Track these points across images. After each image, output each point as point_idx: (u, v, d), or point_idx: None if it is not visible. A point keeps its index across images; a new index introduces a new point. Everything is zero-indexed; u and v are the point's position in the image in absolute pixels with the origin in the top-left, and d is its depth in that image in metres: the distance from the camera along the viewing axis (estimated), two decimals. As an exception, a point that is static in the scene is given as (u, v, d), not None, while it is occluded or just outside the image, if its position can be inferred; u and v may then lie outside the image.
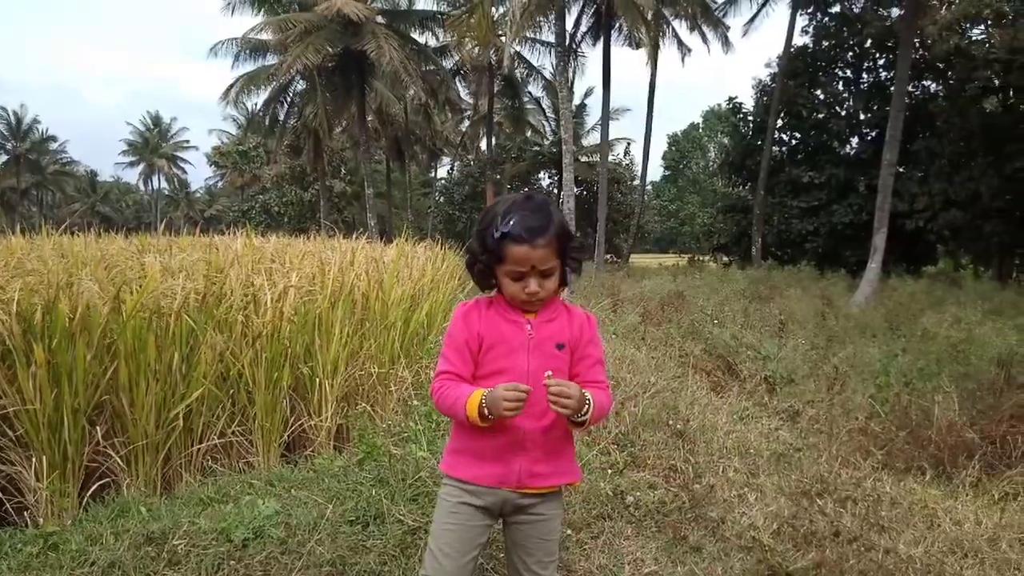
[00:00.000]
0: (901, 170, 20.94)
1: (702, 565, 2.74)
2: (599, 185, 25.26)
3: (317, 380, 3.52)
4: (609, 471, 3.38)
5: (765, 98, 26.21)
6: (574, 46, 24.40)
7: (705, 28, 25.66)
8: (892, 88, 23.58)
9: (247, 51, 25.21)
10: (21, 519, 2.88)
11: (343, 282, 3.76)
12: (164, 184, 60.91)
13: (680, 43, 26.22)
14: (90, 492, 2.95)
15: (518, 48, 23.42)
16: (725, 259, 29.13)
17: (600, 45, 23.93)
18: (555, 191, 41.07)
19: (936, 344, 7.98)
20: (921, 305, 12.66)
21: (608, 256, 28.77)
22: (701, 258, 30.65)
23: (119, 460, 2.97)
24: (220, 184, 55.98)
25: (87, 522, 2.62)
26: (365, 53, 21.56)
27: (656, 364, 5.89)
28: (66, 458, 2.81)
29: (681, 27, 25.88)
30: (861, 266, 21.45)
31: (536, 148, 35.96)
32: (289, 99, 27.34)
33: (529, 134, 35.54)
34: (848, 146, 26.05)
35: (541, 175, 41.50)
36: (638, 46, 23.13)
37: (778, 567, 2.69)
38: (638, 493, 3.20)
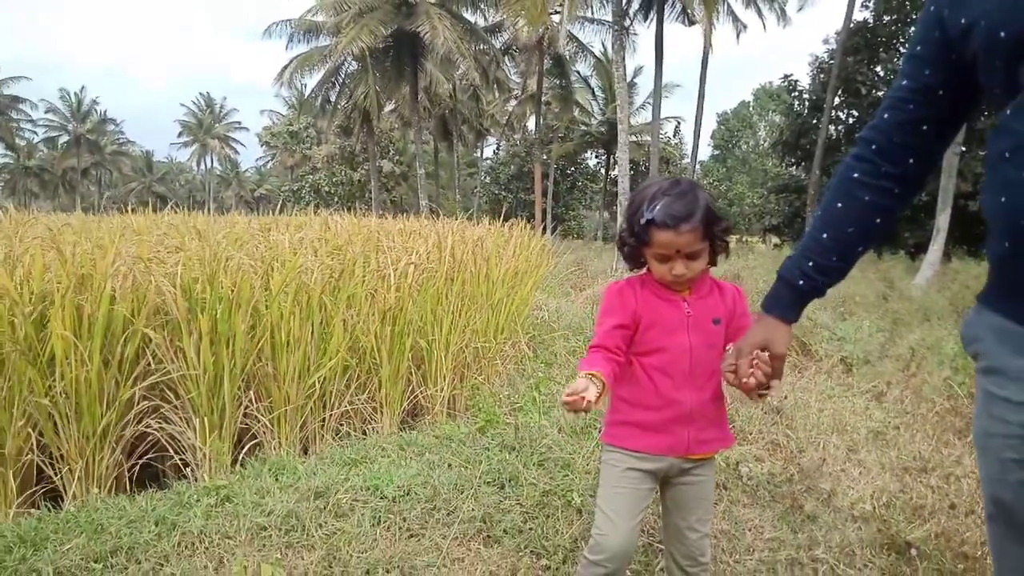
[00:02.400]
0: (964, 149, 20.40)
1: (820, 533, 2.87)
2: (649, 164, 25.10)
3: (435, 353, 3.72)
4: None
5: (822, 75, 25.69)
6: (628, 24, 24.18)
7: (760, 2, 25.19)
8: (956, 64, 22.84)
9: (301, 32, 25.58)
10: (179, 476, 3.13)
11: (455, 259, 3.94)
12: (216, 164, 62.24)
13: (735, 19, 25.79)
14: (242, 452, 3.20)
15: (568, 26, 23.28)
16: (776, 240, 28.76)
17: (652, 23, 23.69)
18: (602, 171, 40.95)
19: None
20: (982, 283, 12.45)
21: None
22: (749, 239, 30.29)
23: (267, 423, 3.21)
24: (270, 164, 57.02)
25: (250, 478, 2.86)
26: (418, 34, 21.72)
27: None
28: (222, 420, 3.05)
29: (736, 2, 25.44)
30: (919, 248, 21.02)
31: (584, 127, 35.81)
32: (341, 80, 27.69)
33: (576, 113, 35.38)
34: (909, 124, 25.41)
35: (588, 154, 41.38)
36: (691, 23, 22.84)
37: (896, 536, 2.80)
38: (750, 465, 3.33)
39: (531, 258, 5.20)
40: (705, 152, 50.97)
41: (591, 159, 43.73)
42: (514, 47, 28.30)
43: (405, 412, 3.79)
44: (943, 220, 16.41)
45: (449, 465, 3.07)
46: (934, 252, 15.71)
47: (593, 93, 36.15)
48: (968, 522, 2.86)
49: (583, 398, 1.48)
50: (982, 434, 1.13)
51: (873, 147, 1.29)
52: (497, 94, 33.33)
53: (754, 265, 15.60)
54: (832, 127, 25.26)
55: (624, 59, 16.76)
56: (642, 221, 1.61)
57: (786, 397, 4.26)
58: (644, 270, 1.76)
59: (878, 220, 1.30)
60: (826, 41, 29.44)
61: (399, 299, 3.54)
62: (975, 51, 1.11)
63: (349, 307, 3.46)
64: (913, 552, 2.63)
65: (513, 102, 35.63)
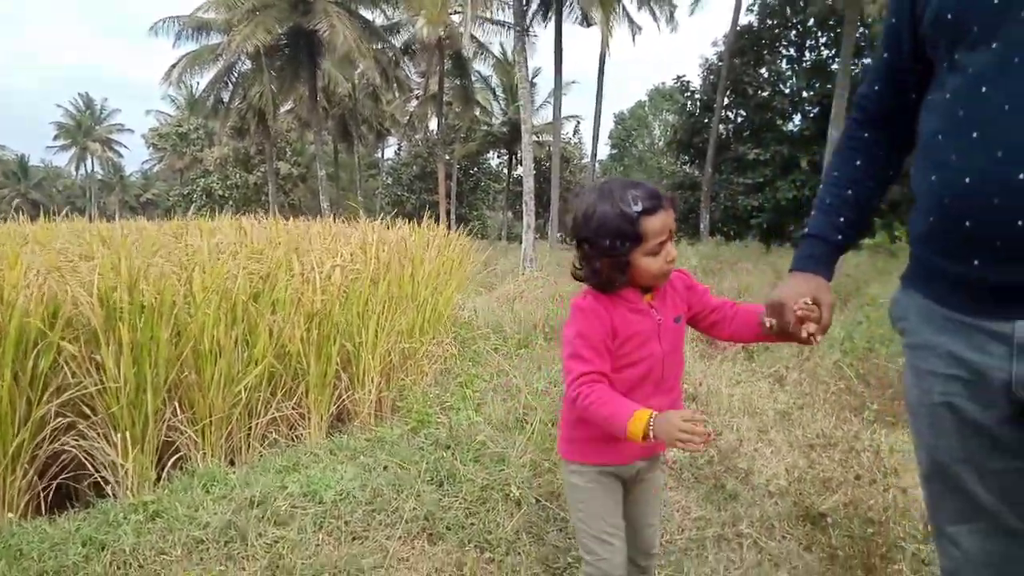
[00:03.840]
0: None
1: (742, 509, 3.05)
2: (551, 163, 25.56)
3: (362, 356, 3.69)
4: (643, 430, 3.68)
5: (712, 76, 26.87)
6: (528, 25, 24.49)
7: (653, 5, 26.07)
8: (834, 66, 24.51)
9: (190, 30, 24.51)
10: (99, 495, 2.99)
11: (379, 261, 3.92)
12: (98, 168, 58.64)
13: (631, 21, 26.59)
14: (165, 465, 3.08)
15: (470, 27, 23.35)
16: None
17: (551, 24, 24.11)
18: (505, 171, 41.27)
19: (879, 312, 8.43)
20: (866, 276, 13.35)
21: (559, 235, 29.19)
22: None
23: (192, 435, 3.10)
24: (157, 168, 54.22)
25: (179, 492, 2.77)
26: (316, 32, 21.25)
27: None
28: (144, 433, 2.93)
29: (631, 4, 26.24)
30: (805, 240, 22.35)
31: (486, 127, 36.00)
32: (234, 79, 26.71)
33: (478, 113, 35.54)
34: (791, 123, 26.94)
35: (490, 154, 41.61)
36: (589, 24, 23.38)
37: (810, 508, 3.02)
38: (672, 450, 3.49)
39: (454, 258, 5.23)
40: (603, 151, 52.41)
41: (494, 159, 44.00)
42: (414, 46, 28.13)
43: (333, 417, 3.75)
44: (825, 213, 17.53)
45: (385, 467, 3.07)
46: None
47: (494, 93, 36.40)
48: (871, 491, 3.11)
49: (705, 433, 1.39)
50: (916, 403, 1.24)
51: (865, 107, 1.41)
52: (397, 94, 33.01)
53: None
54: (722, 126, 26.45)
55: (526, 60, 16.98)
56: (634, 216, 1.51)
57: (700, 384, 4.48)
58: (614, 291, 1.62)
59: (891, 173, 1.42)
60: (715, 44, 30.90)
61: (325, 303, 3.50)
62: (926, 27, 1.19)
63: (274, 312, 3.40)
64: (828, 520, 2.84)
65: (414, 102, 35.41)
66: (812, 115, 26.07)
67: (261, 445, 3.41)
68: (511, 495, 2.83)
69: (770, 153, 25.18)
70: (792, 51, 26.70)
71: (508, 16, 22.96)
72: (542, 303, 7.73)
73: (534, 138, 31.99)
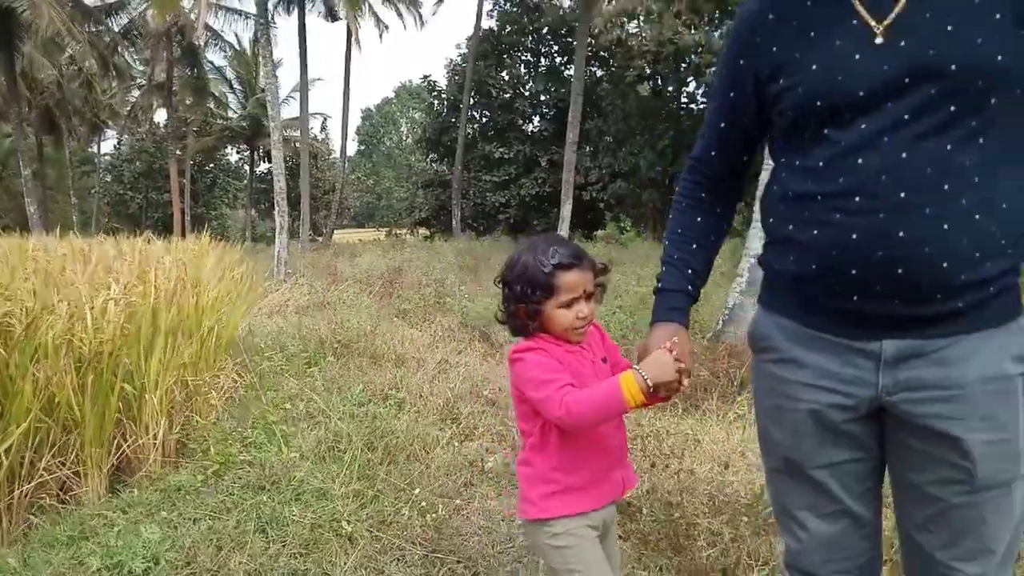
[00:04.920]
0: (577, 149, 23.80)
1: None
2: (300, 160, 24.64)
3: (146, 397, 3.31)
4: (456, 444, 3.74)
5: (457, 77, 27.70)
6: (270, 16, 23.24)
7: (398, 2, 26.18)
8: (567, 72, 26.54)
9: None
10: None
11: (158, 290, 3.52)
12: None
13: (378, 18, 26.42)
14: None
15: (205, 16, 21.62)
16: (426, 232, 30.40)
17: (295, 15, 23.15)
18: (246, 167, 38.86)
19: (629, 298, 9.01)
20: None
21: (310, 234, 28.29)
22: (399, 232, 31.49)
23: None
24: None
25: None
26: (14, 10, 18.27)
27: (434, 341, 6.31)
28: None
29: (376, 1, 26.08)
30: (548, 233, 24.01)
31: (223, 121, 33.65)
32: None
33: (213, 106, 33.07)
34: (531, 124, 28.69)
35: (229, 150, 38.99)
36: (335, 19, 22.85)
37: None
38: (486, 458, 3.61)
39: (240, 280, 4.85)
40: (351, 147, 51.52)
41: (232, 155, 41.31)
42: (136, 31, 25.37)
43: (113, 468, 3.32)
44: (566, 210, 18.96)
45: (194, 520, 2.81)
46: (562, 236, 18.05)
47: (230, 85, 34.09)
48: (664, 475, 3.48)
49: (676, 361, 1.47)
50: (773, 409, 1.44)
51: (702, 171, 1.57)
52: (116, 82, 29.56)
53: (412, 258, 16.31)
54: (469, 126, 27.43)
55: (272, 52, 16.16)
56: (546, 270, 1.61)
57: (500, 389, 4.66)
58: (531, 336, 1.67)
59: (726, 226, 1.60)
60: (459, 46, 31.82)
61: (101, 342, 3.08)
62: (786, 108, 1.34)
63: (37, 361, 2.92)
64: (635, 508, 3.13)
65: (137, 92, 31.94)
66: (549, 117, 28.01)
67: (31, 515, 2.93)
68: (342, 531, 2.75)
69: (514, 152, 26.64)
70: (529, 56, 28.41)
71: (246, 4, 21.62)
72: (319, 312, 7.47)
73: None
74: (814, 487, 1.42)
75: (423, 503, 3.06)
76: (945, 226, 1.21)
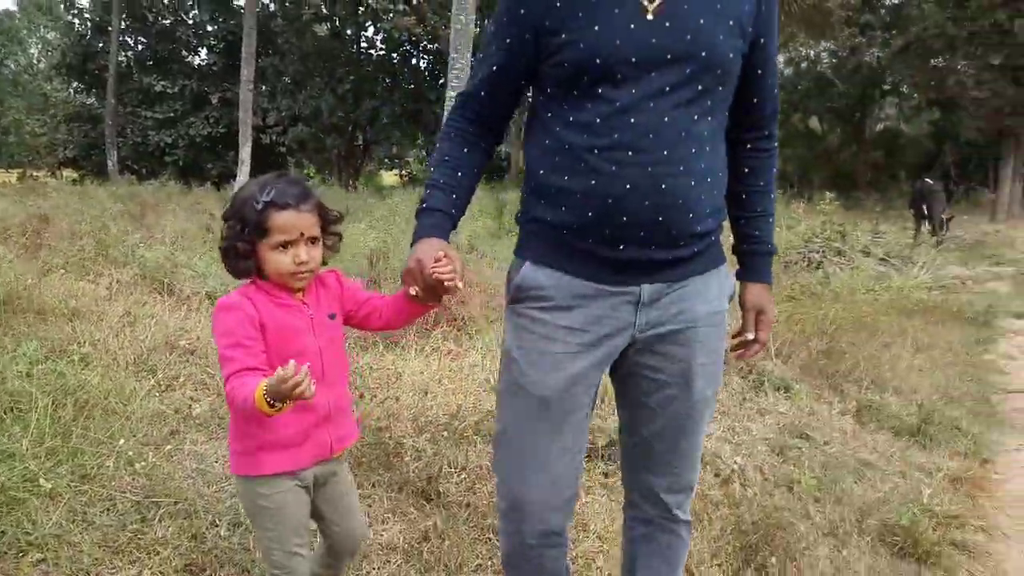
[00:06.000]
0: (253, 88, 22.45)
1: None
2: None
3: None
4: (158, 395, 3.61)
5: (103, -5, 24.16)
6: None
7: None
8: (236, 2, 24.62)
9: None
10: None
11: None
12: None
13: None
14: None
15: None
16: (74, 174, 26.45)
17: None
18: None
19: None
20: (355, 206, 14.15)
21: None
22: (36, 174, 26.97)
23: None
24: None
25: None
26: None
27: (111, 294, 5.74)
28: None
29: None
30: (224, 179, 22.48)
31: None
32: None
33: None
34: (198, 57, 26.30)
35: None
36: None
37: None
38: (196, 408, 3.55)
39: None
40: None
41: None
42: None
43: None
44: (245, 152, 17.92)
45: None
46: (241, 183, 16.85)
47: None
48: (372, 406, 3.74)
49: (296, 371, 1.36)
50: (536, 354, 1.54)
51: (472, 107, 1.63)
52: None
53: (60, 204, 14.20)
54: (123, 54, 24.24)
55: None
56: (258, 207, 1.54)
57: (198, 338, 4.51)
58: (250, 280, 1.64)
59: (486, 161, 1.68)
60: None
61: None
62: (565, 61, 1.44)
63: None
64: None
65: None
66: (219, 50, 25.91)
67: None
68: (41, 489, 2.57)
69: (179, 87, 24.24)
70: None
71: None
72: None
73: None
74: (561, 427, 1.56)
75: (130, 453, 2.95)
76: (692, 183, 1.45)
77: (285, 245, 1.57)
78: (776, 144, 1.71)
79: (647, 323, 1.54)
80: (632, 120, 1.40)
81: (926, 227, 14.53)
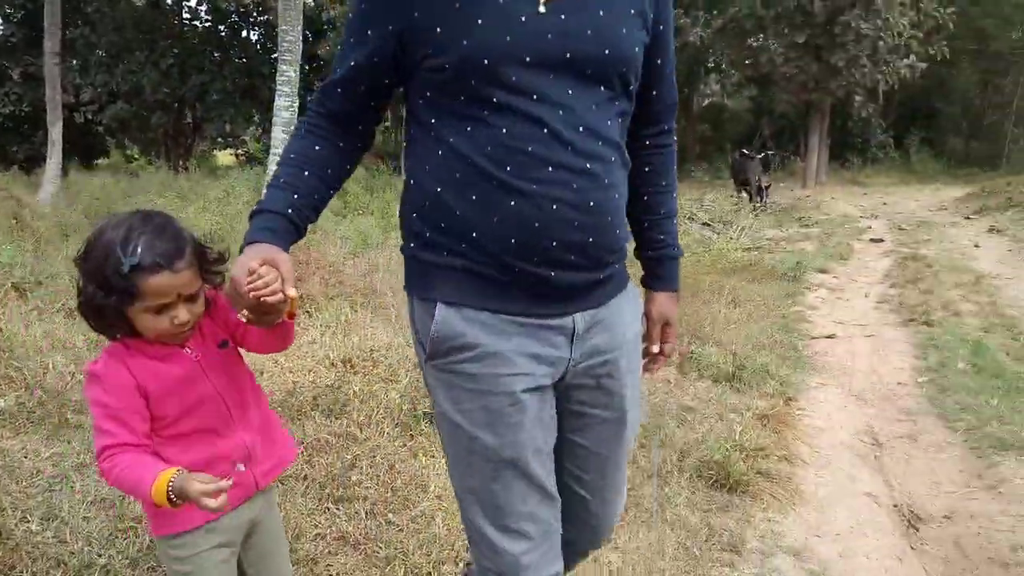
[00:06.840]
0: (61, 60, 20.38)
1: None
2: None
3: None
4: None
5: None
6: None
7: None
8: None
9: None
10: None
11: None
12: None
13: None
14: None
15: None
16: None
17: None
18: None
19: None
20: (113, 197, 13.26)
21: None
22: None
23: None
24: None
25: None
26: None
27: None
28: None
29: None
30: (32, 162, 20.39)
31: None
32: None
33: None
34: (-6, 29, 23.52)
35: None
36: None
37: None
38: (2, 402, 3.26)
39: None
40: None
41: None
42: None
43: None
44: (56, 132, 16.29)
45: None
46: (53, 167, 15.43)
47: None
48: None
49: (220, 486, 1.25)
50: (481, 411, 1.32)
51: (326, 102, 1.41)
52: None
53: None
54: None
55: None
56: (123, 269, 1.29)
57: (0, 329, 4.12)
58: (119, 337, 1.42)
59: (348, 166, 1.45)
60: None
61: None
62: (447, 63, 1.22)
63: None
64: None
65: None
66: (17, 20, 23.28)
67: None
68: None
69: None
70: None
71: None
72: None
73: None
74: (532, 478, 1.37)
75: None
76: (616, 195, 1.32)
77: (160, 309, 1.35)
78: (675, 138, 1.57)
79: (581, 355, 1.39)
80: (545, 131, 1.22)
81: (746, 195, 15.75)
